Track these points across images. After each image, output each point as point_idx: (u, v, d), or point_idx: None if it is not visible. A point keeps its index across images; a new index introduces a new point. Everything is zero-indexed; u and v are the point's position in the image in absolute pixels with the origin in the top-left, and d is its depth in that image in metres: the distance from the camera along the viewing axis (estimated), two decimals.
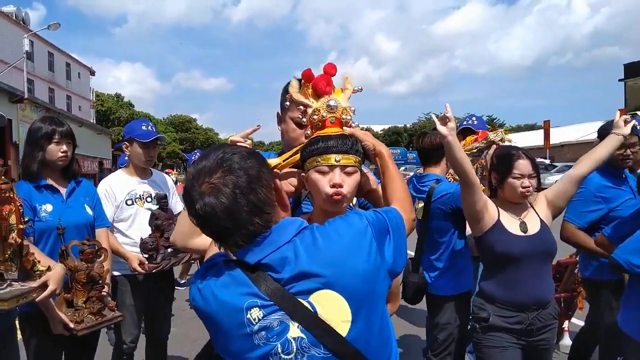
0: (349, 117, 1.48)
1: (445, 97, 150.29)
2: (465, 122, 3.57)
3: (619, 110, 3.00)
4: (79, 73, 40.53)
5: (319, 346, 1.08)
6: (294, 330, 1.08)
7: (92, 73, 43.82)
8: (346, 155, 1.39)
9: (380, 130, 51.56)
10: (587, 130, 23.88)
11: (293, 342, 1.08)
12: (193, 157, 6.12)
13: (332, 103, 1.45)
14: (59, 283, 2.02)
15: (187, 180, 1.14)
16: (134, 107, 53.27)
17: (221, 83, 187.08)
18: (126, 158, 3.24)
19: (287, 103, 1.60)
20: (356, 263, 1.14)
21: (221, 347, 1.16)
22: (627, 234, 2.31)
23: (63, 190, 2.49)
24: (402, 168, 24.82)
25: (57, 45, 36.36)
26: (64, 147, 2.45)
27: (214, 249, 1.32)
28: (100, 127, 33.11)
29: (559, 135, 27.52)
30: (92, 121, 36.56)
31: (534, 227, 2.28)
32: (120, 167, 3.82)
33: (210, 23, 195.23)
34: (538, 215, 2.33)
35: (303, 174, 1.46)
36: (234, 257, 1.16)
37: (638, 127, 2.69)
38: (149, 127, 3.08)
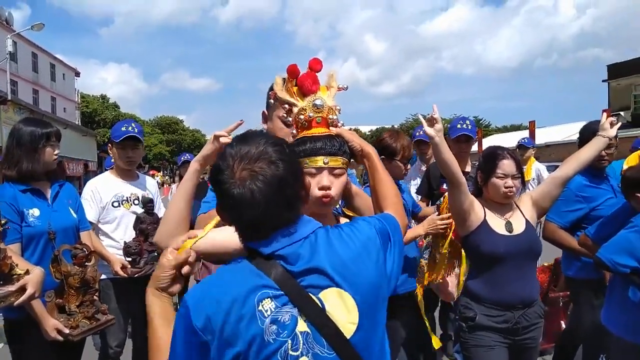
0: (335, 117, 1.47)
1: (432, 98, 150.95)
2: (459, 125, 3.51)
3: (604, 111, 3.04)
4: (63, 74, 40.02)
5: (322, 344, 1.07)
6: (302, 324, 1.06)
7: (77, 74, 43.32)
8: (334, 157, 1.39)
9: (368, 131, 51.65)
10: (572, 131, 24.12)
11: (300, 336, 1.06)
12: (182, 158, 6.06)
13: (318, 103, 1.43)
14: (38, 286, 1.98)
15: (223, 160, 1.09)
16: (119, 108, 52.71)
17: (208, 83, 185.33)
18: (112, 160, 3.22)
19: (272, 101, 1.59)
20: (367, 270, 1.14)
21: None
22: (609, 233, 2.35)
23: (48, 194, 2.45)
24: None
25: (41, 46, 35.89)
26: (57, 150, 2.44)
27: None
28: (85, 129, 32.80)
29: (543, 136, 27.74)
30: (77, 123, 36.18)
31: (519, 227, 2.30)
32: (106, 170, 3.79)
33: (197, 23, 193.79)
34: (523, 215, 2.35)
35: None
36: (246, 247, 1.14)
37: None
38: (130, 127, 3.05)
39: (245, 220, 1.09)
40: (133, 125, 3.08)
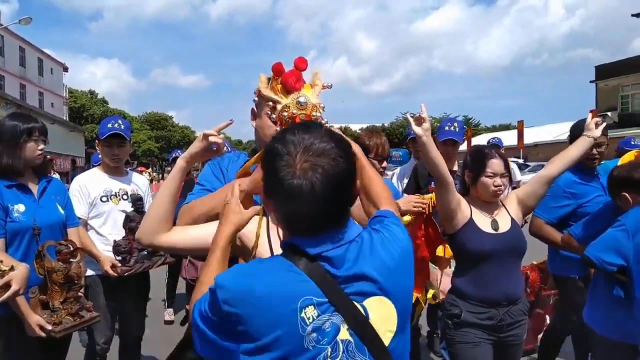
0: (318, 114, 1.47)
1: (423, 97, 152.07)
2: (446, 127, 3.56)
3: (590, 111, 3.07)
4: (51, 69, 39.60)
5: (364, 353, 1.04)
6: (344, 333, 1.03)
7: (66, 69, 42.88)
8: None
9: (359, 129, 51.68)
10: (560, 131, 24.37)
11: (340, 344, 1.03)
12: (173, 155, 6.02)
13: (301, 100, 1.44)
14: (23, 283, 1.96)
15: (284, 144, 1.04)
16: (108, 104, 52.22)
17: (199, 80, 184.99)
18: (99, 156, 3.20)
19: (256, 98, 1.58)
20: (405, 276, 1.13)
21: (258, 348, 1.00)
22: (595, 231, 2.37)
23: (34, 190, 2.42)
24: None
25: (29, 40, 35.44)
26: (41, 145, 2.40)
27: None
28: (73, 125, 32.48)
29: (532, 135, 28.01)
30: (64, 118, 35.82)
31: (504, 225, 2.32)
32: (93, 165, 3.77)
33: (188, 18, 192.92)
34: (509, 214, 2.38)
35: None
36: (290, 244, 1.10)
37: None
38: (115, 124, 3.01)
39: (300, 213, 1.04)
40: (120, 122, 3.05)
